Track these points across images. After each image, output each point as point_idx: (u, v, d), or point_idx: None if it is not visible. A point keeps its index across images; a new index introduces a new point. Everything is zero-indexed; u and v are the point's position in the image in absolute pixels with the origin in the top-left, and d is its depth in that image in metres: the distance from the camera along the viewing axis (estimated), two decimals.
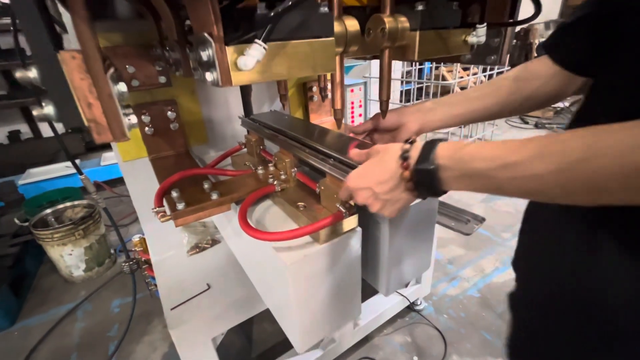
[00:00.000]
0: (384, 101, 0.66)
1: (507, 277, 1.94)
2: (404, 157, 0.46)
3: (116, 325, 1.76)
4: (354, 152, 0.59)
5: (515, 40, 4.82)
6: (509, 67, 2.95)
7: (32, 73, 0.31)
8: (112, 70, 0.35)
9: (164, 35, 0.80)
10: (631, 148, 0.28)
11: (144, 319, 1.78)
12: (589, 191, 0.32)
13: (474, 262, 2.07)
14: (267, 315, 1.74)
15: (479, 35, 0.63)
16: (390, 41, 0.59)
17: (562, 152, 0.33)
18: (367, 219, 0.76)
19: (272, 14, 0.37)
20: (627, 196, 0.31)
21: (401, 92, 3.25)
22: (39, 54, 0.30)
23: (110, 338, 1.70)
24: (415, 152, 0.45)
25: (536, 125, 4.24)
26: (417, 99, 3.17)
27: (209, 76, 0.41)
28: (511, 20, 0.66)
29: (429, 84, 3.19)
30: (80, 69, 0.32)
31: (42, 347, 1.66)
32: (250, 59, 0.38)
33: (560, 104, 4.33)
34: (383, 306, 1.59)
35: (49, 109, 0.32)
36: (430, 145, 0.44)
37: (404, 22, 0.59)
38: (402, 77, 3.03)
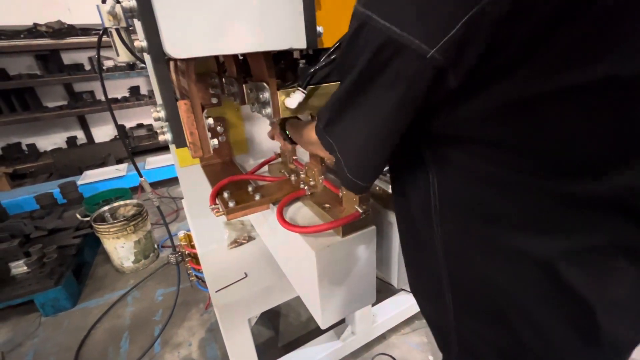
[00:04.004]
0: None
1: None
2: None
3: (160, 311, 1.99)
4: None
5: None
6: None
7: (161, 113, 0.49)
8: (205, 111, 0.53)
9: (220, 65, 0.99)
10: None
11: (184, 307, 1.99)
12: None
13: None
14: (292, 310, 1.92)
15: None
16: None
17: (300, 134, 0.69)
18: (382, 221, 0.91)
19: (311, 70, 0.54)
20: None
21: None
22: (166, 102, 0.49)
23: (155, 322, 1.92)
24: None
25: None
26: None
27: (264, 111, 0.58)
28: None
29: None
30: (188, 111, 0.50)
31: (100, 326, 1.92)
32: (295, 101, 0.55)
33: None
34: (401, 306, 1.71)
35: (168, 135, 0.50)
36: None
37: None
38: None
